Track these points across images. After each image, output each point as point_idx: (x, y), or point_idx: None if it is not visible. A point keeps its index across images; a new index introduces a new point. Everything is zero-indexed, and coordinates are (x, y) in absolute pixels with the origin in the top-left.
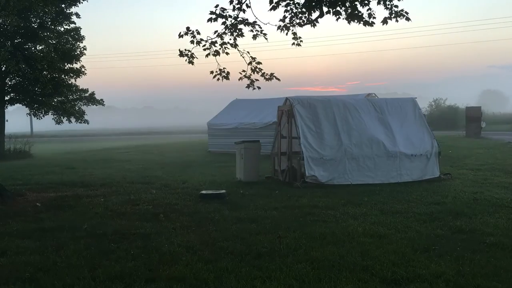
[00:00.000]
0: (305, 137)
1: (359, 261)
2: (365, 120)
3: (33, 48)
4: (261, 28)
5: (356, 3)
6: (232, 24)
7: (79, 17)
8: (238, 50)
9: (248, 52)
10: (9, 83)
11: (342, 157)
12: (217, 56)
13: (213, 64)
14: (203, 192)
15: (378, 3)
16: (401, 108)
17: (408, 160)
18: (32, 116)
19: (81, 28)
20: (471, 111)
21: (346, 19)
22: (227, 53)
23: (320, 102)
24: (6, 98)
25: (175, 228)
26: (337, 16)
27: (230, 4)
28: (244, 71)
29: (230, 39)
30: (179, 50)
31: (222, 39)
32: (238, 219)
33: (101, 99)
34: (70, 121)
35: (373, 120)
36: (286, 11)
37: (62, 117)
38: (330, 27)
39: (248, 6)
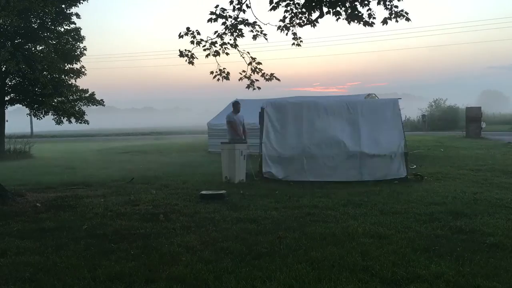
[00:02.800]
0: (268, 136)
1: (359, 262)
2: (331, 122)
3: (33, 49)
4: (261, 28)
5: (356, 3)
6: (232, 25)
7: (79, 18)
8: (238, 50)
9: (248, 53)
10: (9, 83)
11: (300, 156)
12: (217, 57)
13: (213, 64)
14: (203, 192)
15: (378, 3)
16: (379, 109)
17: (370, 160)
18: (32, 117)
19: (81, 29)
20: (471, 111)
21: (346, 19)
22: (227, 54)
23: (291, 104)
24: (6, 98)
25: (175, 229)
26: (337, 17)
27: (230, 4)
28: (244, 71)
29: (230, 39)
30: (179, 50)
31: (222, 39)
32: (238, 219)
33: (101, 99)
34: (70, 121)
35: (341, 121)
36: (286, 11)
37: (62, 117)
38: (330, 27)
39: (248, 7)
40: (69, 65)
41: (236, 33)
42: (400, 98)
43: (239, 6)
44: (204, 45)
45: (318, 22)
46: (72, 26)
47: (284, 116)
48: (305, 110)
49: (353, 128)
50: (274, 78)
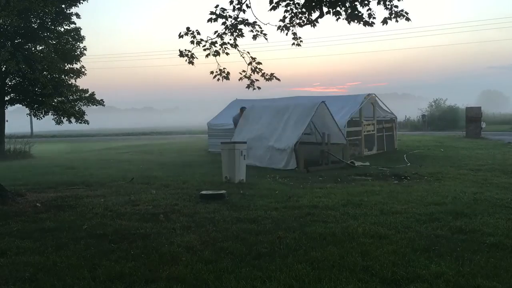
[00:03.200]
0: (235, 134)
1: (359, 262)
2: (269, 121)
3: (33, 49)
4: (261, 28)
5: (356, 3)
6: (232, 25)
7: (79, 18)
8: (238, 50)
9: (248, 52)
10: (9, 83)
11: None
12: (217, 56)
13: (213, 64)
14: (203, 192)
15: (378, 3)
16: (303, 111)
17: (277, 153)
18: (32, 117)
19: (81, 29)
20: (471, 111)
21: (346, 19)
22: (227, 53)
23: (251, 108)
24: (6, 98)
25: (175, 229)
26: (337, 17)
27: (230, 4)
28: (244, 71)
29: (230, 39)
30: (179, 50)
31: (222, 39)
32: (238, 219)
33: (101, 99)
34: (70, 121)
35: (278, 121)
36: (286, 11)
37: (62, 117)
38: (330, 27)
39: (248, 6)
40: (69, 65)
41: (236, 33)
42: (324, 101)
43: (239, 6)
44: (204, 45)
45: (318, 22)
46: (72, 26)
47: (246, 117)
48: (257, 112)
49: (280, 126)
50: (274, 78)
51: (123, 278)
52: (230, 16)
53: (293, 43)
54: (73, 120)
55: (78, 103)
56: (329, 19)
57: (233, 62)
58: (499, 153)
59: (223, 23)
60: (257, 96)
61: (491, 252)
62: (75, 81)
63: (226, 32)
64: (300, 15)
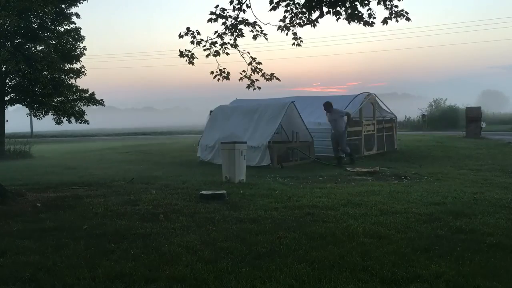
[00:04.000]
0: (205, 131)
1: (359, 262)
2: (240, 121)
3: (33, 49)
4: (261, 28)
5: (356, 3)
6: (232, 25)
7: (79, 18)
8: (238, 50)
9: (248, 52)
10: (9, 83)
11: (216, 145)
12: (217, 57)
13: (213, 64)
14: (203, 192)
15: (378, 3)
16: (274, 111)
17: (251, 150)
18: (32, 116)
19: (81, 29)
20: (471, 111)
21: (346, 19)
22: (227, 54)
23: (220, 108)
24: (6, 98)
25: (175, 228)
26: (337, 16)
27: (230, 4)
28: (244, 71)
29: (230, 39)
30: (179, 50)
31: (222, 39)
32: (238, 219)
33: (101, 99)
34: (70, 121)
35: (250, 121)
36: (286, 11)
37: (62, 117)
38: (330, 27)
39: (248, 6)
40: (69, 65)
41: (236, 33)
42: (293, 101)
43: (239, 6)
44: (204, 45)
45: (318, 22)
46: (72, 26)
47: (215, 117)
48: (227, 113)
49: (252, 125)
50: (274, 78)
51: (123, 278)
52: (230, 16)
53: (293, 43)
54: (73, 120)
55: (78, 103)
56: (329, 19)
57: (233, 62)
58: (499, 153)
59: (223, 23)
60: (257, 96)
61: (491, 252)
62: (75, 81)
63: (226, 32)
64: (300, 15)
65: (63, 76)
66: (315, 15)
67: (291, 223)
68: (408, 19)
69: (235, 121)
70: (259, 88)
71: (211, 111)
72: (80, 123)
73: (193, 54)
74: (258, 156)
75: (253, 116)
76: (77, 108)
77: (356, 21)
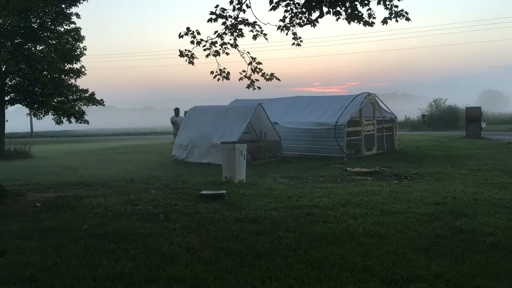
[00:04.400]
0: (180, 131)
1: (359, 262)
2: (214, 122)
3: (33, 48)
4: (261, 28)
5: (356, 3)
6: (232, 24)
7: (79, 17)
8: (238, 50)
9: (248, 52)
10: (9, 83)
11: (190, 144)
12: (217, 56)
13: (213, 64)
14: (203, 192)
15: (378, 3)
16: (243, 112)
17: (218, 149)
18: (32, 116)
19: (81, 29)
20: (471, 111)
21: (346, 19)
22: (227, 53)
23: (193, 109)
24: (6, 98)
25: (175, 228)
26: (337, 16)
27: (230, 4)
28: (244, 71)
29: (230, 39)
30: (179, 50)
31: (222, 39)
32: (238, 219)
33: (101, 99)
34: (70, 121)
35: (221, 121)
36: (286, 11)
37: (62, 117)
38: (330, 27)
39: (248, 6)
40: (69, 65)
41: (236, 33)
42: (261, 103)
43: (239, 6)
44: (204, 45)
45: (318, 22)
46: (72, 26)
47: (189, 117)
48: (206, 114)
49: (223, 125)
50: (274, 78)
51: (123, 278)
52: (230, 16)
53: (293, 43)
54: (73, 120)
55: (78, 103)
56: (329, 19)
57: (233, 62)
58: (499, 153)
59: (223, 23)
60: (257, 96)
61: (491, 252)
62: (75, 81)
63: (226, 32)
64: (300, 15)
65: (63, 76)
66: (315, 15)
67: (291, 223)
68: (408, 19)
69: (208, 121)
70: (259, 88)
71: (175, 109)
72: (80, 123)
73: (193, 54)
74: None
75: (224, 116)
76: (77, 108)
77: (356, 21)
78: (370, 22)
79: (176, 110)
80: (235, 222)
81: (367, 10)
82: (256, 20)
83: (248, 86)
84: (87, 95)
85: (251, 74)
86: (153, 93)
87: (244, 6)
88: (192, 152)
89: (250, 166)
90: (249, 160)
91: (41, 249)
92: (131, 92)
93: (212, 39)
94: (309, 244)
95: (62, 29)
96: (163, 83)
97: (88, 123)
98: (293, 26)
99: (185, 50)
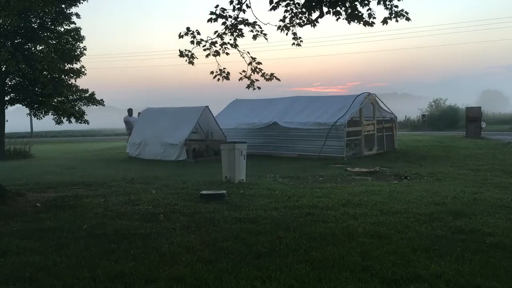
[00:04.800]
0: (133, 132)
1: (359, 262)
2: (166, 122)
3: (33, 48)
4: (261, 28)
5: (356, 3)
6: (232, 25)
7: (79, 17)
8: (238, 50)
9: (248, 52)
10: (9, 83)
11: (142, 143)
12: (217, 57)
13: (213, 64)
14: (203, 192)
15: (378, 3)
16: (192, 114)
17: (170, 147)
18: (32, 116)
19: (81, 29)
20: (471, 111)
21: (346, 19)
22: (227, 54)
23: (149, 110)
24: (6, 98)
25: (175, 228)
26: (337, 16)
27: (230, 4)
28: (244, 71)
29: (230, 39)
30: (179, 50)
31: (222, 39)
32: (238, 219)
33: (101, 99)
34: (70, 121)
35: (172, 121)
36: (286, 11)
37: (62, 117)
38: (330, 27)
39: (248, 6)
40: (69, 65)
41: (236, 33)
42: (207, 106)
43: (239, 6)
44: (204, 45)
45: (318, 22)
46: (72, 26)
47: (143, 118)
48: (160, 115)
49: (173, 126)
50: (274, 78)
51: (123, 278)
52: (230, 16)
53: (293, 43)
54: (73, 120)
55: (78, 103)
56: (329, 19)
57: (233, 62)
58: (499, 153)
59: (223, 23)
60: (257, 96)
61: (491, 252)
62: (75, 81)
63: (226, 32)
64: (300, 15)
65: (63, 76)
66: (315, 15)
67: (291, 223)
68: (408, 19)
69: (160, 122)
70: (259, 88)
71: (129, 110)
72: (80, 123)
73: (193, 54)
74: (177, 152)
75: (175, 117)
76: (77, 108)
77: (356, 21)
78: (370, 22)
79: (130, 111)
80: (235, 222)
81: (367, 10)
82: (256, 20)
83: (248, 86)
84: (87, 95)
85: (251, 74)
86: (153, 93)
87: (244, 6)
88: (144, 150)
89: (196, 162)
90: (195, 157)
91: (41, 249)
92: (131, 92)
93: (212, 39)
94: (309, 244)
95: (62, 29)
96: (163, 83)
97: (88, 123)
98: (293, 26)
99: (185, 50)
